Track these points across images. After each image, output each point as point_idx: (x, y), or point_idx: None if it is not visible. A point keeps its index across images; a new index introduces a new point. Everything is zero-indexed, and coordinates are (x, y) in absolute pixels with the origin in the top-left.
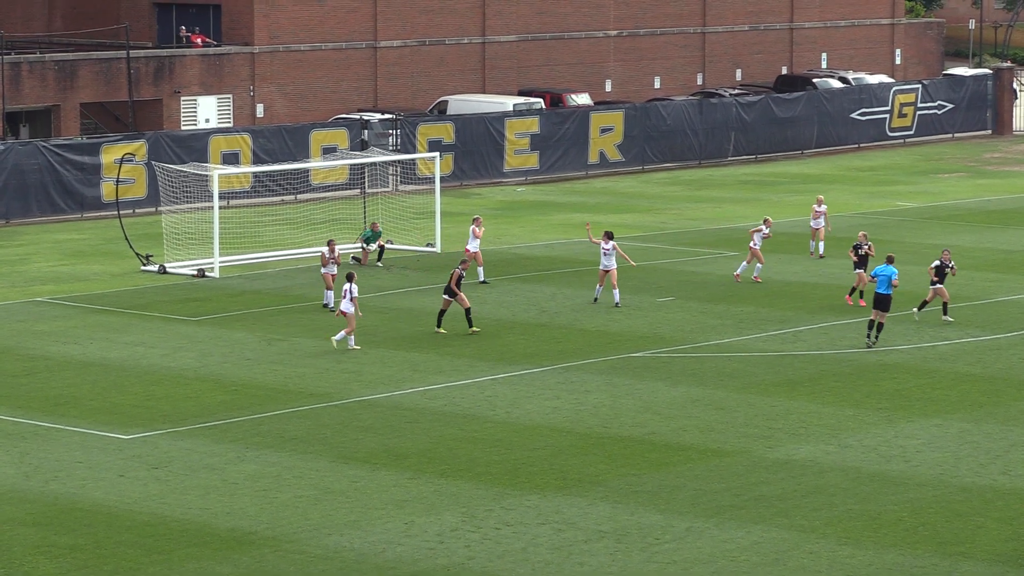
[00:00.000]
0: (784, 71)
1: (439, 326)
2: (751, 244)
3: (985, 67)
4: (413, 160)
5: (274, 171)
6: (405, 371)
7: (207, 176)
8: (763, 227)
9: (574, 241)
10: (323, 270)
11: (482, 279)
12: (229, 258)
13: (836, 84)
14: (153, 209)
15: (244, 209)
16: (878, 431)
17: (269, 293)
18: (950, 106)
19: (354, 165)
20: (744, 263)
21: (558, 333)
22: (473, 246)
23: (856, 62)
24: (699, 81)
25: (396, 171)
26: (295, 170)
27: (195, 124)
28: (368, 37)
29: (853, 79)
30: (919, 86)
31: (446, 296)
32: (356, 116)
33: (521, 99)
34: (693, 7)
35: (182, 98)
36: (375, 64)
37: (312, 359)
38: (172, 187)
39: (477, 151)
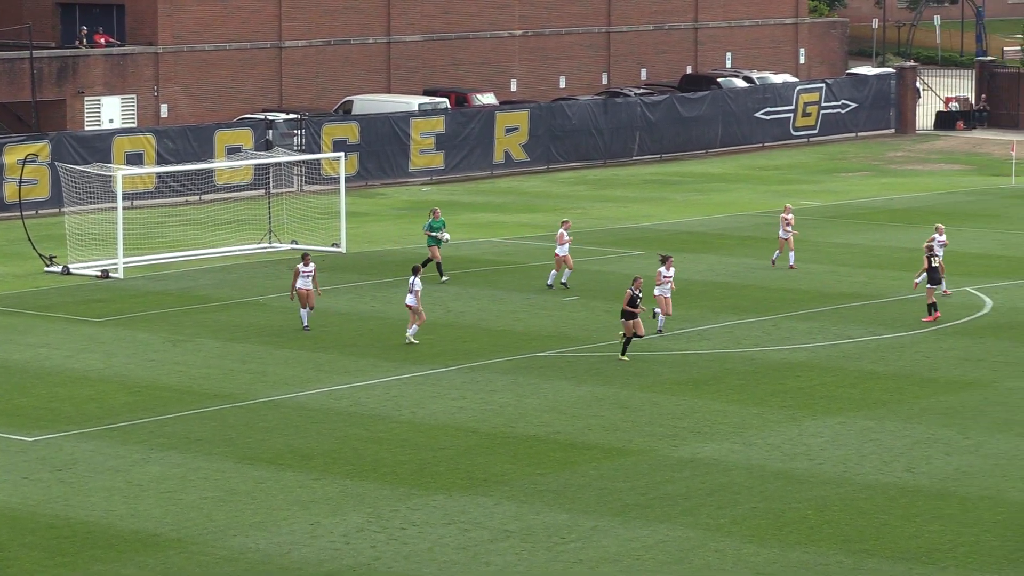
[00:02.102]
0: (689, 70)
1: (623, 353)
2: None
3: (888, 66)
4: (318, 160)
5: (178, 171)
6: (310, 372)
7: (111, 177)
8: (937, 236)
9: (480, 241)
10: (298, 285)
11: (563, 281)
12: (133, 259)
13: (740, 83)
14: (56, 210)
15: (148, 210)
16: (782, 429)
17: (173, 294)
18: (854, 105)
19: (259, 165)
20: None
21: (463, 333)
22: (561, 251)
23: (760, 61)
24: (604, 80)
25: (301, 171)
26: (199, 170)
27: (99, 124)
28: (273, 37)
29: (757, 78)
30: (823, 85)
31: (624, 320)
32: (261, 116)
33: (426, 99)
34: (598, 7)
35: (86, 98)
36: (280, 64)
37: (217, 360)
38: (75, 188)
39: (382, 151)
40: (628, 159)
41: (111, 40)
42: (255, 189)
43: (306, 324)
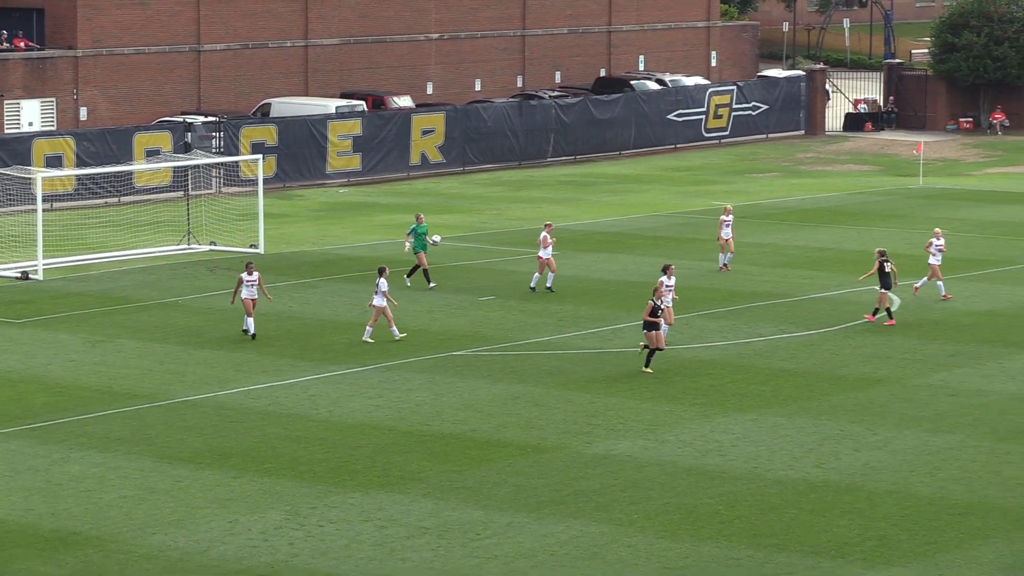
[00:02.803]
0: (602, 73)
1: (647, 365)
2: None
3: (798, 69)
4: (236, 162)
5: (98, 174)
6: (228, 371)
7: (30, 179)
8: (935, 240)
9: (397, 241)
10: (244, 294)
11: (548, 285)
12: (53, 260)
13: (653, 86)
14: None
15: (68, 212)
16: (694, 426)
17: (93, 295)
18: (764, 107)
19: (178, 167)
20: (925, 279)
21: (380, 333)
22: (544, 254)
23: (673, 64)
24: (519, 83)
25: (219, 173)
26: (119, 173)
27: (18, 127)
28: (191, 40)
29: (670, 81)
30: (734, 88)
31: (646, 331)
32: (179, 119)
33: (343, 102)
34: (513, 11)
35: (5, 101)
36: (198, 67)
37: (136, 360)
38: None
39: (300, 153)
40: (543, 161)
41: (30, 44)
42: (174, 191)
43: (251, 331)
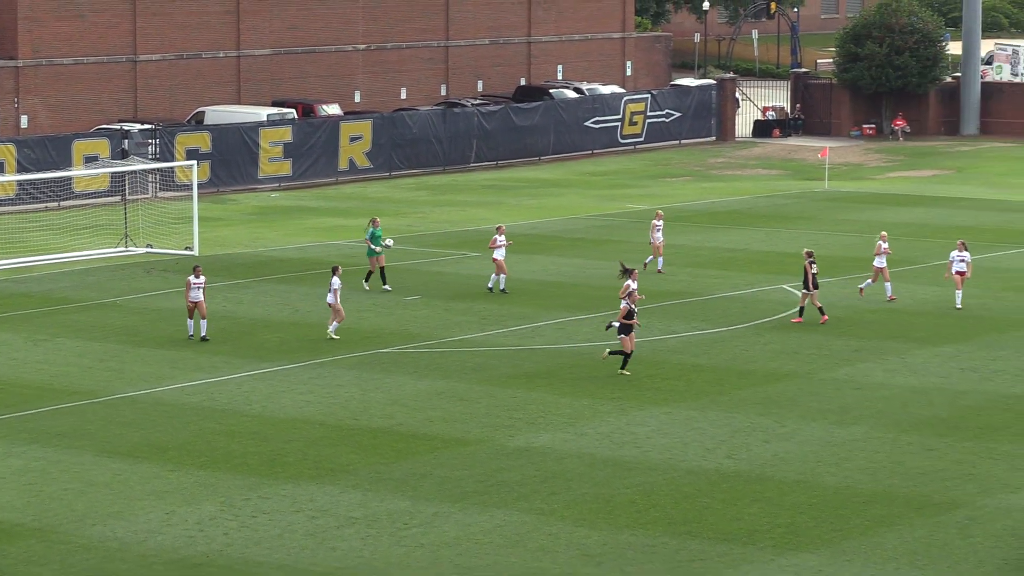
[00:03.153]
0: (522, 82)
1: (623, 368)
2: (875, 263)
3: (710, 78)
4: (171, 168)
5: (38, 179)
6: (165, 368)
7: None
8: (882, 244)
9: (326, 244)
10: (191, 297)
11: (502, 288)
12: None
13: (571, 94)
14: None
15: (9, 216)
16: (612, 419)
17: (34, 296)
18: (677, 114)
19: (115, 173)
20: (869, 281)
21: (310, 331)
22: (498, 254)
23: (590, 73)
24: (443, 92)
25: (155, 178)
26: (58, 178)
27: None
28: (128, 51)
29: (587, 89)
30: (648, 96)
31: (623, 335)
32: (117, 126)
33: (274, 110)
34: (437, 23)
35: None
36: (135, 77)
37: (76, 358)
38: None
39: (233, 159)
40: (466, 166)
41: None
42: (112, 196)
43: (203, 334)
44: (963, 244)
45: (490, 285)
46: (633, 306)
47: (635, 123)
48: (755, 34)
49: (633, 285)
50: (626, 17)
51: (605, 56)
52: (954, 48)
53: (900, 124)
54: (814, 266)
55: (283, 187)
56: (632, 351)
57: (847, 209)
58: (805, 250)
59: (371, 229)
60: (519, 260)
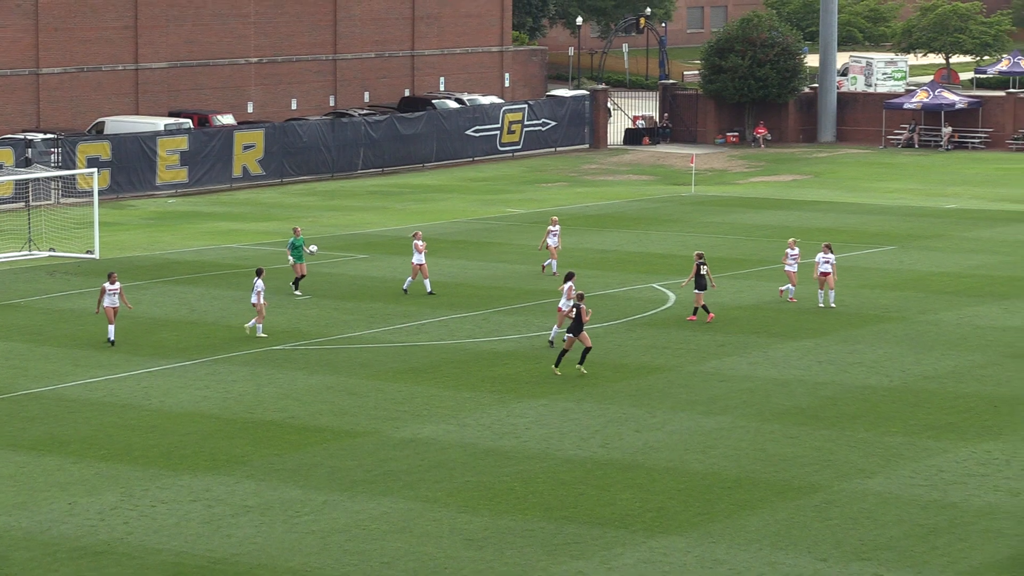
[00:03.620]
0: (407, 93)
1: (557, 365)
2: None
3: (583, 89)
4: (73, 175)
5: None
6: (67, 366)
7: None
8: (789, 251)
9: (221, 247)
10: (105, 303)
11: (428, 291)
12: None
13: (453, 105)
14: None
15: None
16: (492, 411)
17: None
18: (553, 123)
19: (19, 180)
20: (788, 286)
21: (207, 329)
22: (417, 259)
23: (470, 85)
24: (331, 103)
25: (58, 186)
26: None
27: None
28: (31, 64)
29: (468, 100)
30: (525, 106)
31: (572, 334)
32: (20, 136)
33: (171, 120)
34: (325, 37)
35: None
36: (37, 89)
37: None
38: None
39: (132, 167)
40: (353, 172)
41: None
42: (16, 202)
43: (111, 339)
44: (828, 247)
45: (405, 287)
46: (582, 304)
47: (513, 132)
48: (625, 48)
49: (567, 285)
50: (504, 32)
51: (484, 69)
52: (812, 60)
53: (761, 132)
54: (704, 267)
55: (180, 193)
56: (590, 347)
57: (712, 212)
58: (695, 252)
59: (292, 238)
60: (405, 262)
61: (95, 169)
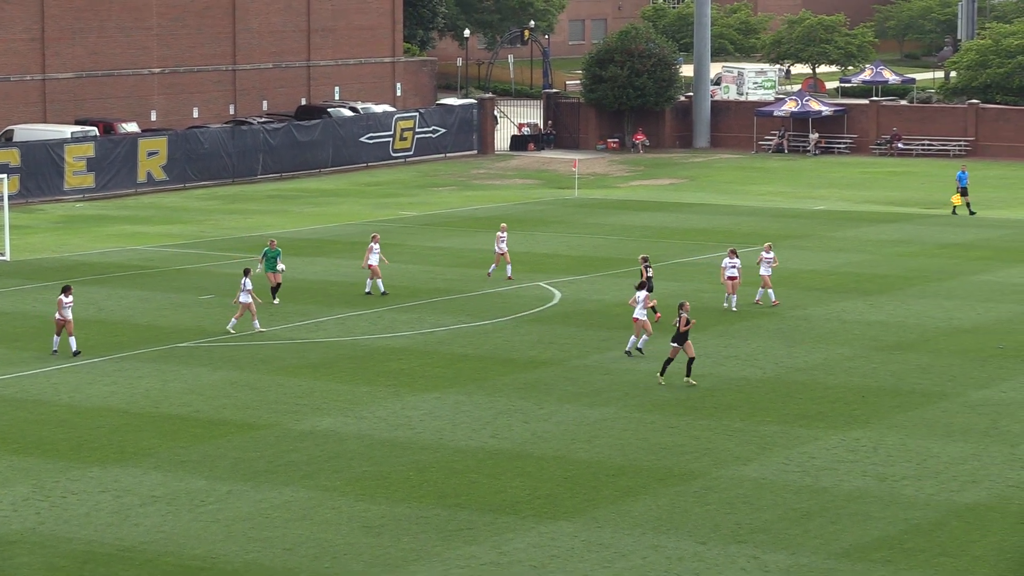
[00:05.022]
0: (304, 102)
1: (662, 374)
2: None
3: (471, 98)
4: None
5: None
6: None
7: None
8: (764, 254)
9: (126, 249)
10: (57, 316)
11: (383, 291)
12: None
13: (348, 113)
14: None
15: None
16: (388, 404)
17: None
18: (443, 130)
19: None
20: (760, 289)
21: (114, 328)
22: (372, 260)
23: (364, 94)
24: (231, 111)
25: None
26: None
27: None
28: None
29: (362, 108)
30: (417, 114)
31: (675, 344)
32: None
33: (78, 128)
34: (225, 48)
35: None
36: None
37: None
38: None
39: (40, 173)
40: (253, 178)
41: None
42: None
43: (74, 349)
44: (733, 252)
45: (368, 290)
46: (684, 313)
47: (405, 138)
48: (511, 58)
49: (642, 294)
50: (395, 44)
51: (377, 78)
52: (687, 70)
53: (640, 138)
54: (650, 269)
55: (87, 198)
56: (672, 358)
57: (595, 214)
58: (640, 256)
59: (266, 249)
60: (303, 263)
61: (5, 175)
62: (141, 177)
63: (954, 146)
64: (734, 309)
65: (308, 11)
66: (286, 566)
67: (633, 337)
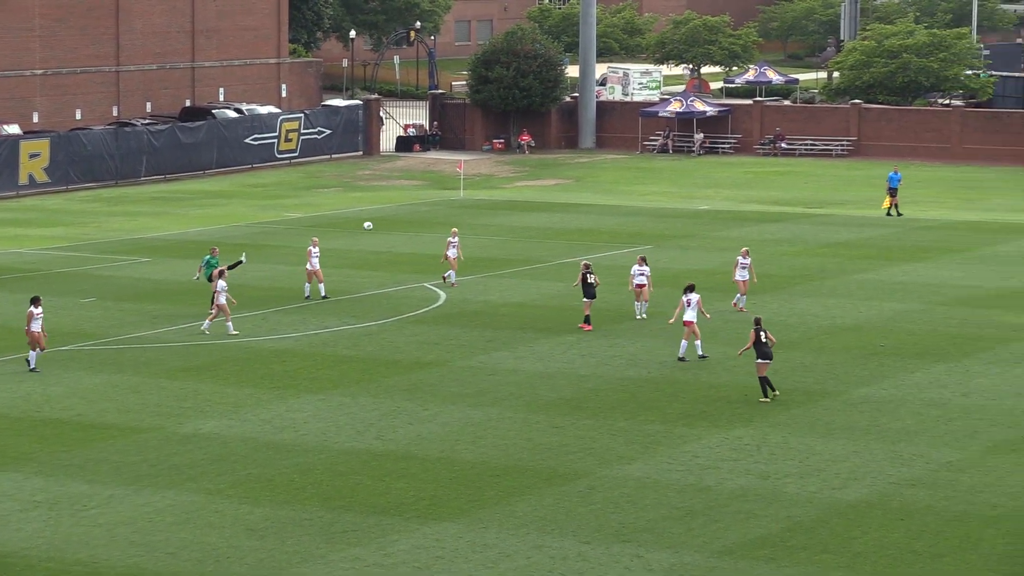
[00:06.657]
0: (188, 103)
1: (770, 392)
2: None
3: (357, 99)
4: None
5: None
6: None
7: None
8: (741, 259)
9: (7, 252)
10: (32, 327)
11: (323, 295)
12: None
13: (232, 114)
14: None
15: None
16: (272, 406)
17: None
18: (328, 132)
19: None
20: (739, 295)
21: None
22: (312, 265)
23: (249, 95)
24: (115, 112)
25: None
26: None
27: None
28: None
29: (247, 110)
30: (302, 115)
31: (761, 360)
32: None
33: None
34: (108, 49)
35: None
36: None
37: None
38: None
39: None
40: (137, 179)
41: None
42: None
43: (33, 366)
44: (643, 259)
45: (307, 294)
46: (760, 328)
47: (290, 140)
48: (397, 59)
49: (695, 297)
50: (281, 45)
51: (262, 80)
52: (572, 71)
53: (526, 139)
54: (591, 276)
55: None
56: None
57: (481, 215)
58: (583, 261)
59: (207, 256)
60: (186, 264)
61: None
62: (23, 179)
63: (837, 146)
64: (644, 316)
65: (193, 12)
66: (170, 570)
67: (684, 342)
